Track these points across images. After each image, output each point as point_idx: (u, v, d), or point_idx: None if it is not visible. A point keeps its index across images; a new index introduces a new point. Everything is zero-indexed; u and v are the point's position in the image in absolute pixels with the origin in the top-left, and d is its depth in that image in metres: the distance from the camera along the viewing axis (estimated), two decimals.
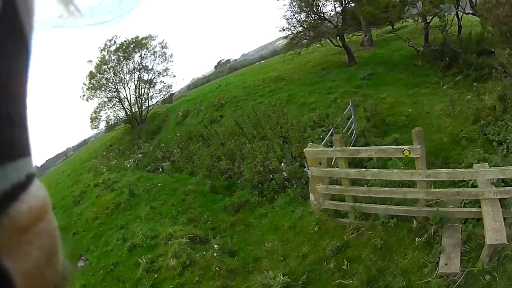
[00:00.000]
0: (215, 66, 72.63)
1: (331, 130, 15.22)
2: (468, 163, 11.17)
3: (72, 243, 16.59)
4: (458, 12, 25.64)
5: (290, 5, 30.28)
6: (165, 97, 40.98)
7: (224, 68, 64.73)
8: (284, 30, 30.65)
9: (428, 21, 26.42)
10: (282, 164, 15.48)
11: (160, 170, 23.09)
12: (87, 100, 37.44)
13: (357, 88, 22.88)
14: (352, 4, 31.31)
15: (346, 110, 17.54)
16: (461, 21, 25.69)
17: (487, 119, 14.21)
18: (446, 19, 24.61)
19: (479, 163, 9.86)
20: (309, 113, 20.88)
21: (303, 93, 24.69)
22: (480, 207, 8.11)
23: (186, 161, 21.89)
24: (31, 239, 0.39)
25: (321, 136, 15.75)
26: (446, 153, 13.66)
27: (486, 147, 12.85)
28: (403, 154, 8.65)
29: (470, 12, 24.60)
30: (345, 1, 31.03)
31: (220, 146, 20.23)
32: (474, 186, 8.93)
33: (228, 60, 73.55)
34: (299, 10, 30.16)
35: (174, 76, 39.71)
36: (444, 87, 19.17)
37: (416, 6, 27.88)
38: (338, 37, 29.35)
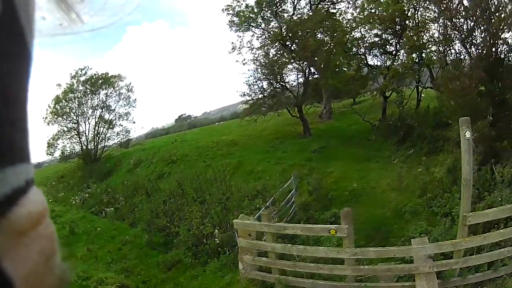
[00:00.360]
0: (176, 119, 72.01)
1: (268, 202, 15.26)
2: (409, 237, 10.60)
3: None
4: (418, 86, 25.89)
5: (254, 71, 30.20)
6: (122, 141, 40.04)
7: (184, 123, 64.28)
8: (244, 95, 30.34)
9: (387, 95, 26.48)
10: (216, 230, 15.30)
11: (104, 214, 22.68)
12: (48, 124, 36.34)
13: (307, 161, 22.65)
14: (316, 76, 31.38)
15: (288, 183, 17.56)
16: (420, 95, 25.92)
17: (435, 191, 13.92)
18: (403, 94, 24.82)
19: (421, 236, 9.57)
20: (254, 181, 20.61)
21: (252, 161, 24.35)
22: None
23: (129, 211, 21.54)
24: (30, 242, 0.39)
25: (261, 207, 15.37)
26: (388, 228, 13.43)
27: (430, 219, 12.49)
28: (329, 233, 8.77)
29: (430, 86, 24.58)
30: (308, 72, 31.03)
31: (161, 204, 19.98)
32: (412, 260, 8.27)
33: (189, 116, 73.35)
34: (262, 77, 29.94)
35: (134, 122, 38.80)
36: (395, 161, 18.90)
37: (377, 81, 28.05)
38: (296, 108, 29.02)
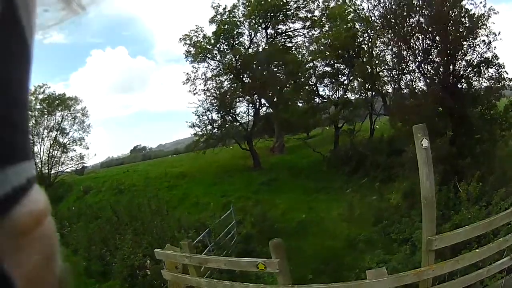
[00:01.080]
0: (131, 150, 69.97)
1: (203, 233, 14.01)
2: (364, 268, 9.01)
3: None
4: (372, 114, 25.22)
5: (203, 101, 28.83)
6: (78, 167, 38.39)
7: (139, 155, 63.38)
8: (194, 126, 28.77)
9: (339, 126, 25.68)
10: (147, 261, 13.77)
11: None
12: None
13: (254, 193, 21.80)
14: (267, 109, 30.87)
15: (227, 213, 16.28)
16: (374, 124, 25.25)
17: (391, 218, 12.66)
18: (354, 123, 24.31)
19: (378, 266, 8.56)
20: (198, 214, 19.30)
21: (198, 193, 23.44)
22: None
23: (73, 238, 19.88)
24: (31, 242, 0.38)
25: (197, 238, 13.97)
26: (340, 260, 12.15)
27: (388, 248, 11.24)
28: (258, 268, 7.43)
29: (383, 113, 23.99)
30: (259, 104, 30.21)
31: (97, 231, 18.84)
32: None
33: (144, 147, 71.63)
34: (211, 108, 28.69)
35: (88, 148, 36.78)
36: (348, 191, 17.89)
37: (328, 111, 27.04)
38: (246, 141, 28.04)
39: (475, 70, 15.58)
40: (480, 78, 15.75)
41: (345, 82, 26.87)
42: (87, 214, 23.20)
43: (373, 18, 22.48)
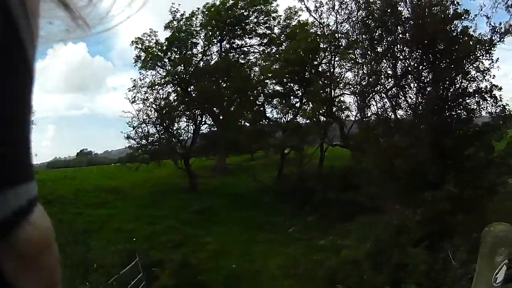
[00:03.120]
0: (77, 153, 62.69)
1: None
2: None
3: None
4: (323, 144, 21.89)
5: (138, 112, 25.00)
6: None
7: (84, 159, 56.80)
8: (128, 138, 25.07)
9: (286, 153, 22.54)
10: None
11: None
12: None
13: (184, 224, 18.34)
14: (210, 127, 28.06)
15: (129, 266, 12.31)
16: (324, 153, 22.02)
17: (349, 281, 8.71)
18: (303, 151, 21.16)
19: None
20: (118, 244, 15.11)
21: (126, 216, 19.45)
22: None
23: None
24: (32, 273, 0.36)
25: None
26: None
27: None
28: None
29: (338, 143, 21.07)
30: (199, 121, 26.97)
31: None
32: None
33: (90, 151, 63.83)
34: (147, 120, 24.98)
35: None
36: (291, 230, 14.78)
37: (275, 136, 24.13)
38: (183, 159, 24.66)
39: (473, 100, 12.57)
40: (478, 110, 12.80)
41: (297, 104, 23.86)
42: None
43: (339, 34, 19.33)
